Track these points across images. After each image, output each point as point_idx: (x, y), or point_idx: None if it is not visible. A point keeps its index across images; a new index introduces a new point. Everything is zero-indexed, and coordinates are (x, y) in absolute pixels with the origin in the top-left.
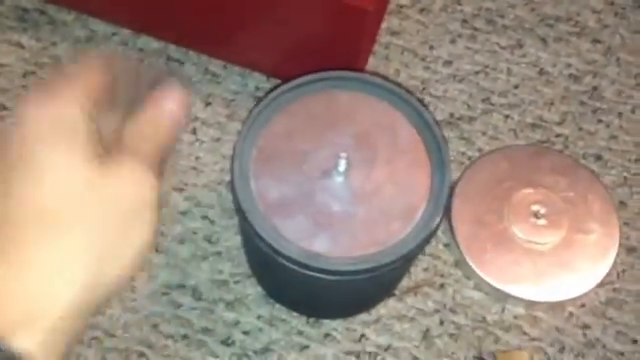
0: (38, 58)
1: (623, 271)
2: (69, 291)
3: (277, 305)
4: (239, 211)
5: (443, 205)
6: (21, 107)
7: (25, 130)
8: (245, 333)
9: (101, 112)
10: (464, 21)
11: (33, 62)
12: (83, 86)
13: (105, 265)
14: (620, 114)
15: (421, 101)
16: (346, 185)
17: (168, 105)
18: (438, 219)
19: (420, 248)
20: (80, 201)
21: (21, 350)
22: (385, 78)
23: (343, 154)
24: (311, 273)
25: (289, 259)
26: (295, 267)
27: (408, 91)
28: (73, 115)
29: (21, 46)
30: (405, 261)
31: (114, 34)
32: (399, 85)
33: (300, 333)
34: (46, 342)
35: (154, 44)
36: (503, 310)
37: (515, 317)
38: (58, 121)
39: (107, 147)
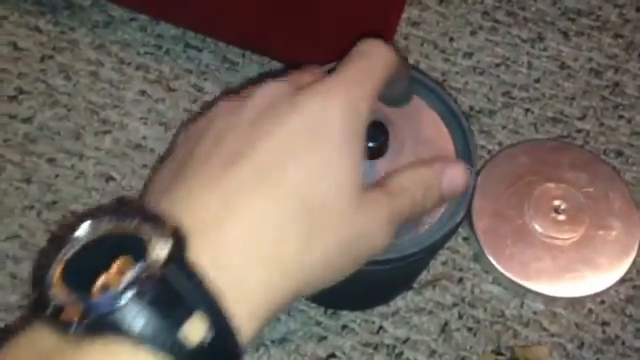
0: (56, 42)
1: None
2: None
3: None
4: None
5: (469, 197)
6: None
7: (315, 115)
8: None
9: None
10: (485, 13)
11: (51, 46)
12: (378, 81)
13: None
14: None
15: (446, 90)
16: (372, 175)
17: (448, 176)
18: (463, 212)
19: (445, 240)
20: (337, 210)
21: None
22: (411, 66)
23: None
24: None
25: None
26: None
27: (435, 81)
28: (363, 112)
29: (39, 30)
30: (428, 253)
31: (132, 19)
32: (424, 74)
33: (318, 324)
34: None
35: (172, 31)
36: (522, 305)
37: (534, 312)
38: (350, 116)
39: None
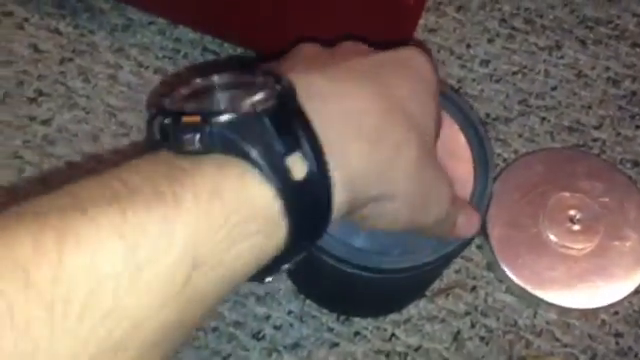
0: (76, 45)
1: None
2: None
3: (308, 301)
4: None
5: (485, 206)
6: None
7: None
8: (276, 328)
9: None
10: (502, 20)
11: (71, 49)
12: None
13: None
14: None
15: (465, 99)
16: None
17: (462, 221)
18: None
19: (460, 250)
20: (425, 141)
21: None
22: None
23: None
24: (351, 270)
25: (330, 255)
26: (335, 263)
27: (452, 88)
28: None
29: (59, 33)
30: (443, 262)
31: (151, 23)
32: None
33: (330, 330)
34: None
35: (191, 35)
36: (535, 315)
37: (547, 322)
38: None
39: None
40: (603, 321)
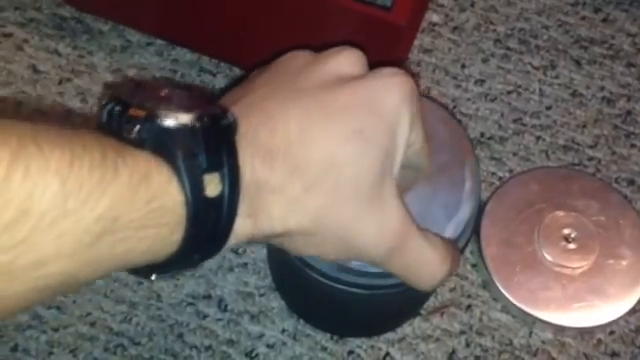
0: (74, 66)
1: None
2: None
3: (302, 320)
4: None
5: (472, 223)
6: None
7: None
8: (269, 346)
9: None
10: (497, 40)
11: (69, 70)
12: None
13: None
14: None
15: (456, 117)
16: None
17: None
18: (467, 238)
19: None
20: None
21: None
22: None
23: None
24: (342, 287)
25: (320, 273)
26: (326, 281)
27: (443, 106)
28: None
29: (58, 54)
30: None
31: (149, 44)
32: (434, 100)
33: (324, 349)
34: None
35: (188, 55)
36: (530, 334)
37: (543, 342)
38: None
39: None
40: (599, 340)
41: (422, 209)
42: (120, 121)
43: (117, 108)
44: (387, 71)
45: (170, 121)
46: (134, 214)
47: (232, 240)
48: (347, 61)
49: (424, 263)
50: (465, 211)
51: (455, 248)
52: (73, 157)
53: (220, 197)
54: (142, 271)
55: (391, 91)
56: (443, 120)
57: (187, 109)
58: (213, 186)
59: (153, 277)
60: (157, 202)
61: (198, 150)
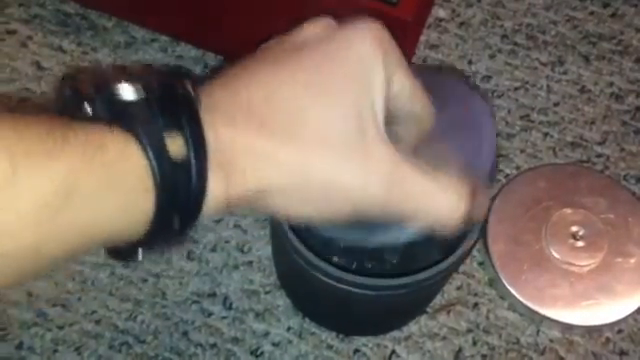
0: (79, 62)
1: None
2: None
3: (307, 318)
4: (275, 224)
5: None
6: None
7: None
8: (274, 345)
9: None
10: (504, 36)
11: (74, 66)
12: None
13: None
14: None
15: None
16: None
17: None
18: (475, 236)
19: (457, 264)
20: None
21: None
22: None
23: None
24: (347, 287)
25: (325, 273)
26: (331, 281)
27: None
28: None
29: (62, 50)
30: (441, 277)
31: (153, 40)
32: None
33: (330, 347)
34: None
35: (193, 52)
36: (538, 332)
37: (550, 340)
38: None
39: None
40: (607, 339)
41: (437, 165)
42: (73, 100)
43: (68, 92)
44: (354, 23)
45: (123, 92)
46: (93, 183)
47: (210, 204)
48: (316, 28)
49: (432, 200)
50: (485, 162)
51: (475, 189)
52: (18, 130)
53: (187, 160)
54: (125, 251)
55: (358, 39)
56: (457, 85)
57: (138, 81)
58: (176, 147)
59: (140, 256)
60: (116, 168)
61: (154, 115)
